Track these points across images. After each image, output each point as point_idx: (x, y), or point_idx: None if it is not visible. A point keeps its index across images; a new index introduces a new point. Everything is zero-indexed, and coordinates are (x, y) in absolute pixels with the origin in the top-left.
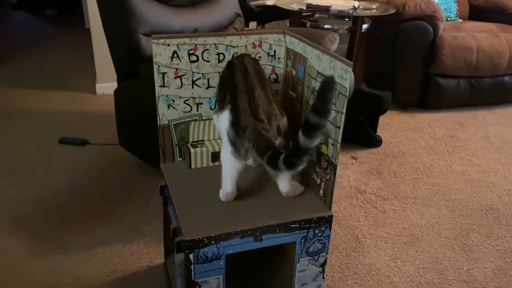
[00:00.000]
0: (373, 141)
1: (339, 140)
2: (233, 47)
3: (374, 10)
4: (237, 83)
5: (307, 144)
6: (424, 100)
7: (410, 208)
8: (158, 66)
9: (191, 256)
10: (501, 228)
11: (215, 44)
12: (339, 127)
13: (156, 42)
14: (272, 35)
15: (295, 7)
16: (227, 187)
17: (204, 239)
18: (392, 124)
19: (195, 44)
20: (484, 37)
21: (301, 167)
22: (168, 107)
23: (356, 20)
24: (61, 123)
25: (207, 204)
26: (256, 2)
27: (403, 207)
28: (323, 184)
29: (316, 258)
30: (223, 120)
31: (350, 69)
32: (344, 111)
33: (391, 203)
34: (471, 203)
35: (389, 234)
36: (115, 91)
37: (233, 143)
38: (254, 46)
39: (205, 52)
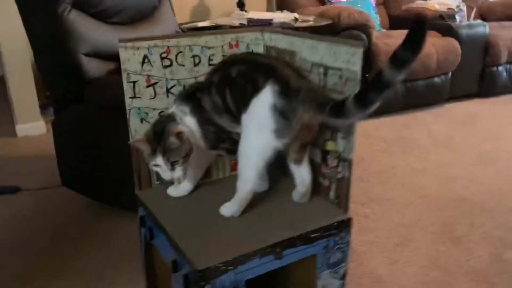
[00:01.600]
0: None
1: (354, 131)
2: (209, 48)
3: (311, 22)
4: (270, 62)
5: (392, 77)
6: None
7: (389, 209)
8: (128, 73)
9: None
10: (479, 216)
11: (189, 46)
12: None
13: (124, 46)
14: (249, 34)
15: (236, 22)
16: (249, 183)
17: (221, 265)
18: None
19: (168, 47)
20: None
21: (374, 107)
22: (141, 122)
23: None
24: None
25: (210, 226)
26: (188, 25)
27: (382, 209)
28: (333, 185)
29: (337, 270)
30: (262, 100)
31: (361, 50)
32: None
33: (370, 207)
34: (443, 197)
35: (379, 238)
36: (54, 123)
37: (282, 115)
38: (230, 46)
39: (179, 55)
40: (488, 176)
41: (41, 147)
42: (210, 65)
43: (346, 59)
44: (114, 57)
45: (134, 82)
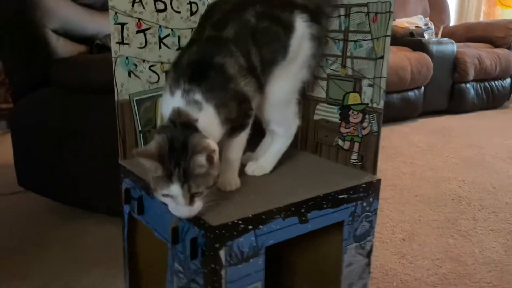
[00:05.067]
0: None
1: (384, 74)
2: None
3: None
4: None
5: None
6: None
7: (386, 207)
8: (115, 13)
9: (222, 253)
10: (481, 211)
11: None
12: (381, 58)
13: None
14: None
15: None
16: (295, 123)
17: (240, 222)
18: None
19: None
20: None
21: None
22: (129, 75)
23: None
24: None
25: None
26: None
27: (379, 207)
28: (355, 145)
29: (363, 245)
30: (301, 36)
31: None
32: (389, 33)
33: None
34: (439, 195)
35: (382, 235)
36: (13, 111)
37: (319, 42)
38: None
39: None
40: (479, 177)
41: None
42: None
43: None
44: (85, 40)
45: (122, 25)
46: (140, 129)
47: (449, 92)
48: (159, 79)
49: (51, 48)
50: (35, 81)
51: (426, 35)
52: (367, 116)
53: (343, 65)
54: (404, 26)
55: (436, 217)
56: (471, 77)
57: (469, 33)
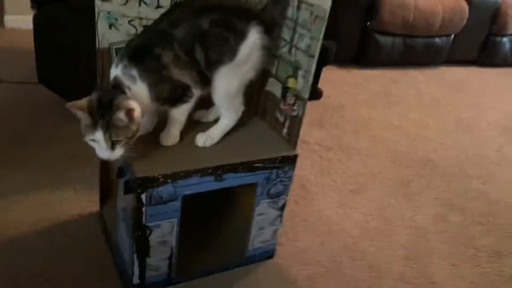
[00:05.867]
0: (314, 94)
1: (312, 71)
2: None
3: None
4: (238, 5)
5: None
6: (360, 57)
7: (354, 158)
8: None
9: (143, 196)
10: (437, 178)
11: None
12: (313, 56)
13: None
14: None
15: None
16: (240, 108)
17: (160, 177)
18: (330, 79)
19: None
20: None
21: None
22: (110, 27)
23: None
24: None
25: (159, 143)
26: None
27: (346, 157)
28: (287, 122)
29: (276, 201)
30: (252, 44)
31: None
32: (321, 37)
33: (335, 153)
34: (409, 155)
35: (335, 182)
36: (34, 18)
37: (269, 52)
38: None
39: None
40: (459, 142)
41: (28, 41)
42: None
43: None
44: None
45: None
46: None
47: (482, 43)
48: (136, 31)
49: None
50: None
51: None
52: (297, 101)
53: (289, 51)
54: None
55: (393, 176)
56: (510, 30)
57: None
